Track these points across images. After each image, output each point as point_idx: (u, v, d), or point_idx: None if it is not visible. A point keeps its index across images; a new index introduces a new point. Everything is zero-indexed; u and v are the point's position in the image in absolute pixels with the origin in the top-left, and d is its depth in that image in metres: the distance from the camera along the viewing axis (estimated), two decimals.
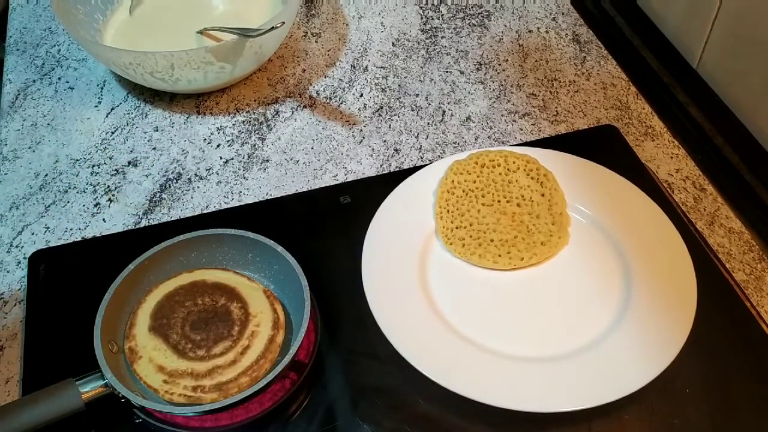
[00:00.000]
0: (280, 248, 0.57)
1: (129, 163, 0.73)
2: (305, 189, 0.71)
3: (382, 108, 0.79)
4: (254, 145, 0.75)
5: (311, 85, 0.82)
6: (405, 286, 0.60)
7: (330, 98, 0.80)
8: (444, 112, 0.79)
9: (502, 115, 0.79)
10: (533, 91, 0.81)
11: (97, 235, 0.67)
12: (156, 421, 0.52)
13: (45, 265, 0.63)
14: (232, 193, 0.71)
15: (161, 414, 0.52)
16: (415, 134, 0.76)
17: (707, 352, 0.57)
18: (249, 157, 0.74)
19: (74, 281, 0.62)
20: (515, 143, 0.75)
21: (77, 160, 0.73)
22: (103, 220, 0.68)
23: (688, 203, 0.70)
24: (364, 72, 0.84)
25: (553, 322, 0.59)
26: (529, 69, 0.84)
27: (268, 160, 0.74)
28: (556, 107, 0.79)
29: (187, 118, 0.78)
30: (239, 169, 0.73)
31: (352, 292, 0.59)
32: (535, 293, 0.61)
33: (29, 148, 0.74)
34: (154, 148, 0.75)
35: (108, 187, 0.71)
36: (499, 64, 0.85)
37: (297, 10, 0.85)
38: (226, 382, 0.51)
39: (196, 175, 0.72)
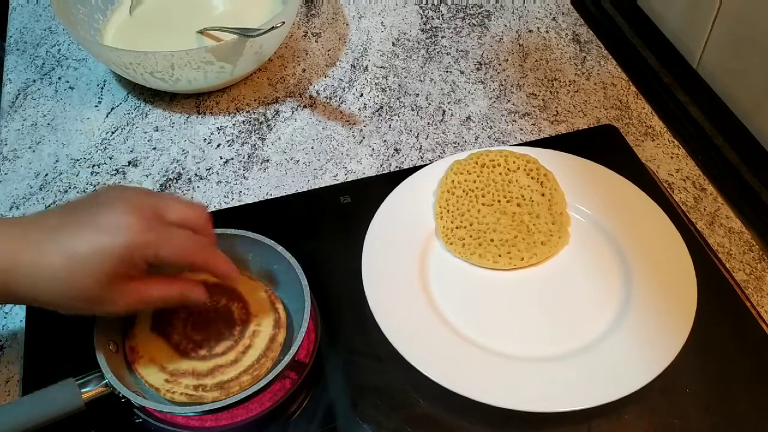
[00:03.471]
0: (280, 248, 0.57)
1: (129, 163, 0.73)
2: (305, 189, 0.71)
3: (382, 108, 0.79)
4: (254, 145, 0.75)
5: (311, 84, 0.82)
6: (405, 285, 0.60)
7: (330, 98, 0.80)
8: (444, 112, 0.79)
9: (502, 115, 0.79)
10: (533, 91, 0.81)
11: None
12: (156, 421, 0.52)
13: None
14: (232, 193, 0.71)
15: (161, 414, 0.52)
16: (415, 134, 0.76)
17: (707, 352, 0.57)
18: (249, 157, 0.74)
19: None
20: (515, 143, 0.75)
21: (77, 160, 0.73)
22: None
23: (688, 203, 0.70)
24: (364, 72, 0.84)
25: (553, 322, 0.59)
26: (529, 69, 0.84)
27: (268, 160, 0.74)
28: (556, 107, 0.80)
29: (187, 118, 0.78)
30: (239, 169, 0.73)
31: (352, 292, 0.59)
32: (535, 293, 0.61)
33: (29, 148, 0.74)
34: (154, 148, 0.75)
35: None
36: (499, 64, 0.85)
37: (297, 10, 0.85)
38: (228, 381, 0.52)
39: (196, 175, 0.72)
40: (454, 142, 0.76)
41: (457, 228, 0.64)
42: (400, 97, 0.81)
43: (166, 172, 0.72)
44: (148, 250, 0.46)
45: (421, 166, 0.69)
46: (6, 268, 0.45)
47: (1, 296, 0.46)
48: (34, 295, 0.46)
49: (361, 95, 0.81)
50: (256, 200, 0.70)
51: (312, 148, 0.75)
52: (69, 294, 0.46)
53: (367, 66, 0.84)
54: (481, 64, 0.85)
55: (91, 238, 0.45)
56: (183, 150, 0.75)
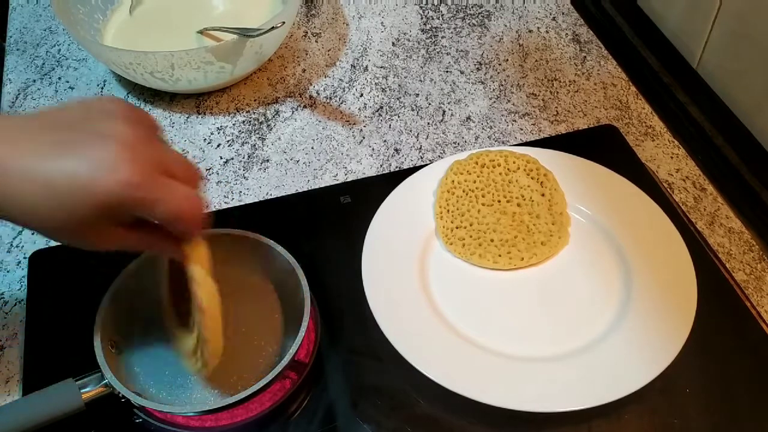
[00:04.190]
0: (280, 248, 0.57)
1: None
2: (305, 189, 0.71)
3: (382, 108, 0.79)
4: (254, 145, 0.75)
5: (311, 85, 0.82)
6: (405, 285, 0.60)
7: (330, 98, 0.80)
8: (444, 112, 0.79)
9: (502, 115, 0.79)
10: (533, 91, 0.81)
11: None
12: (156, 421, 0.52)
13: (45, 264, 0.63)
14: (232, 193, 0.71)
15: (161, 414, 0.52)
16: (415, 134, 0.76)
17: (707, 352, 0.57)
18: (249, 157, 0.74)
19: (74, 281, 0.61)
20: (515, 143, 0.75)
21: None
22: None
23: (688, 203, 0.70)
24: (364, 72, 0.84)
25: (553, 322, 0.59)
26: (529, 69, 0.84)
27: (268, 160, 0.74)
28: (556, 107, 0.80)
29: (187, 118, 0.78)
30: (239, 169, 0.73)
31: (352, 292, 0.59)
32: (535, 293, 0.61)
33: None
34: None
35: None
36: (499, 64, 0.85)
37: (297, 10, 0.85)
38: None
39: None
40: (454, 142, 0.76)
41: (457, 228, 0.64)
42: (400, 97, 0.81)
43: None
44: (141, 209, 0.40)
45: (421, 166, 0.69)
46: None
47: None
48: (10, 213, 0.39)
49: (361, 95, 0.81)
50: (256, 200, 0.70)
51: (312, 148, 0.75)
52: (47, 224, 0.40)
53: (367, 66, 0.84)
54: (481, 64, 0.85)
55: (71, 168, 0.38)
56: (183, 150, 0.74)
